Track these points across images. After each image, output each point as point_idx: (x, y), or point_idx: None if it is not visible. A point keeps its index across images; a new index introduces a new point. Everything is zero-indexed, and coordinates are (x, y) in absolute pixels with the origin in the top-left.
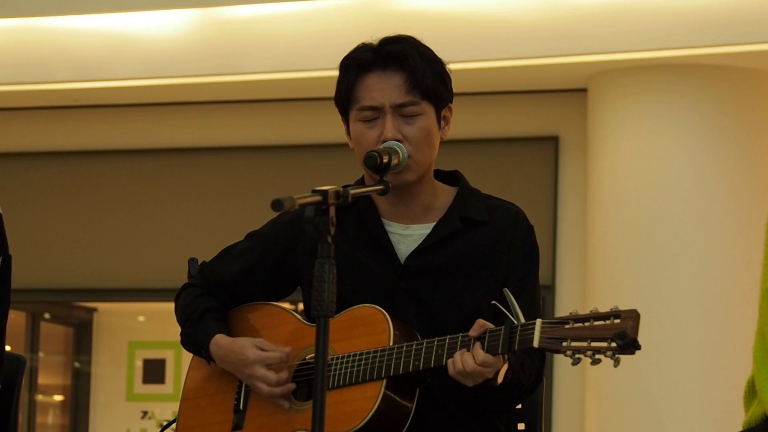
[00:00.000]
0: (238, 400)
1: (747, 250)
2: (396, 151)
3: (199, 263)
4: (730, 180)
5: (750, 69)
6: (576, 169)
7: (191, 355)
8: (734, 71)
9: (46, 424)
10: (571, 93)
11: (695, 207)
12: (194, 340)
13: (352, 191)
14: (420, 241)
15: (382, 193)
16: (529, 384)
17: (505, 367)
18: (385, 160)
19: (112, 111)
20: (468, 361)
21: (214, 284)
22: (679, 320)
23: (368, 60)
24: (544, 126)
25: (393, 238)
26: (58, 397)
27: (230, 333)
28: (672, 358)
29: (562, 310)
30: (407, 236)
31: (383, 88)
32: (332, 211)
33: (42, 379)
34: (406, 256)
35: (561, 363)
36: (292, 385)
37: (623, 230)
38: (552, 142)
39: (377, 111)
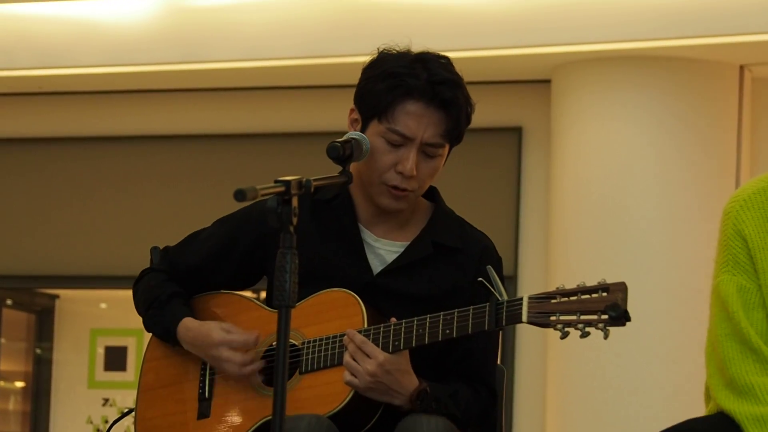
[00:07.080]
0: (203, 388)
1: (709, 241)
2: (359, 143)
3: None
4: (692, 171)
5: (712, 61)
6: (539, 160)
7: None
8: (697, 63)
9: (7, 410)
10: (535, 84)
11: (657, 198)
12: (161, 321)
13: (315, 182)
14: (388, 257)
15: (344, 183)
16: (465, 417)
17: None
18: (347, 152)
19: (77, 98)
20: (356, 336)
21: (180, 269)
22: (642, 310)
23: (418, 88)
24: (508, 117)
25: (364, 246)
26: (19, 384)
27: (196, 318)
28: (635, 348)
29: None
30: (376, 248)
31: (422, 123)
32: (295, 201)
33: (3, 366)
34: (374, 268)
35: (520, 351)
36: (259, 363)
37: (586, 221)
38: (516, 133)
39: (406, 139)
